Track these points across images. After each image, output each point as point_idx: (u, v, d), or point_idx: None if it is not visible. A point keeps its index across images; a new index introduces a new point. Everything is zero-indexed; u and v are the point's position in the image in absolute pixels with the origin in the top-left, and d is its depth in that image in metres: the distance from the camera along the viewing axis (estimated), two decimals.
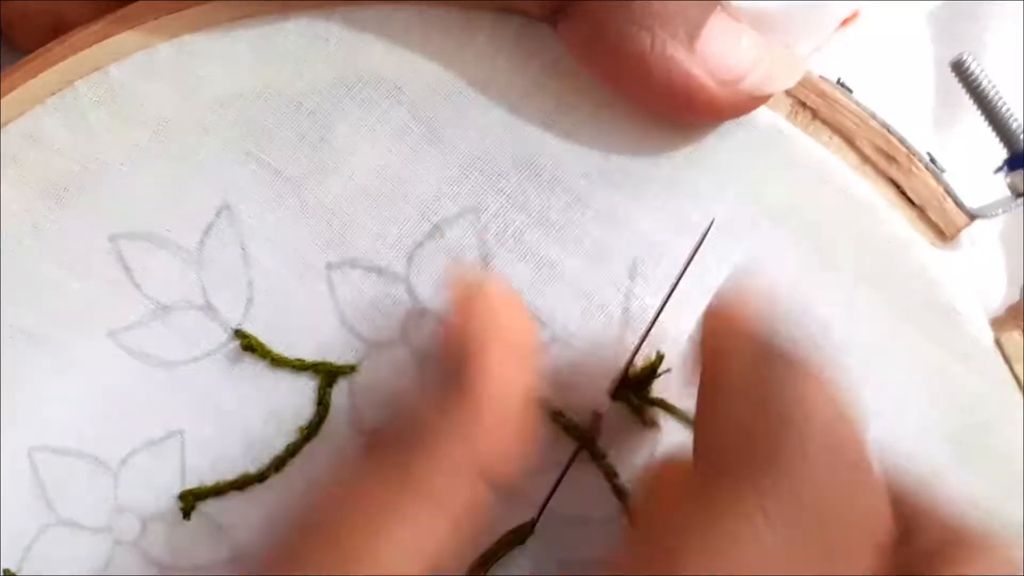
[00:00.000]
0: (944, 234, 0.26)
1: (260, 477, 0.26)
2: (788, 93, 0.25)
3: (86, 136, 0.26)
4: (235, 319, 0.26)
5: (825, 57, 0.28)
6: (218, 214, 0.26)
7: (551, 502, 0.26)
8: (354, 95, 0.26)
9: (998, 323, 0.26)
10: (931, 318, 0.25)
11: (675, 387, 0.26)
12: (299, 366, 0.26)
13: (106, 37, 0.26)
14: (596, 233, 0.26)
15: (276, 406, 0.26)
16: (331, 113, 0.26)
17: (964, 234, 0.26)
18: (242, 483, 0.26)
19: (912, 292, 0.25)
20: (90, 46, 0.26)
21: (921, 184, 0.26)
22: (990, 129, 0.26)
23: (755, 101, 0.24)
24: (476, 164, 0.26)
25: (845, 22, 0.29)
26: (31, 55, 0.26)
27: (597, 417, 0.26)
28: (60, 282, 0.26)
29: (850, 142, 0.26)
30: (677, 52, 0.23)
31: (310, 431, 0.26)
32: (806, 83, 0.25)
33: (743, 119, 0.25)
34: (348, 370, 0.26)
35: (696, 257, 0.25)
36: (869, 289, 0.25)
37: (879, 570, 0.20)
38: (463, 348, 0.22)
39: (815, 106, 0.26)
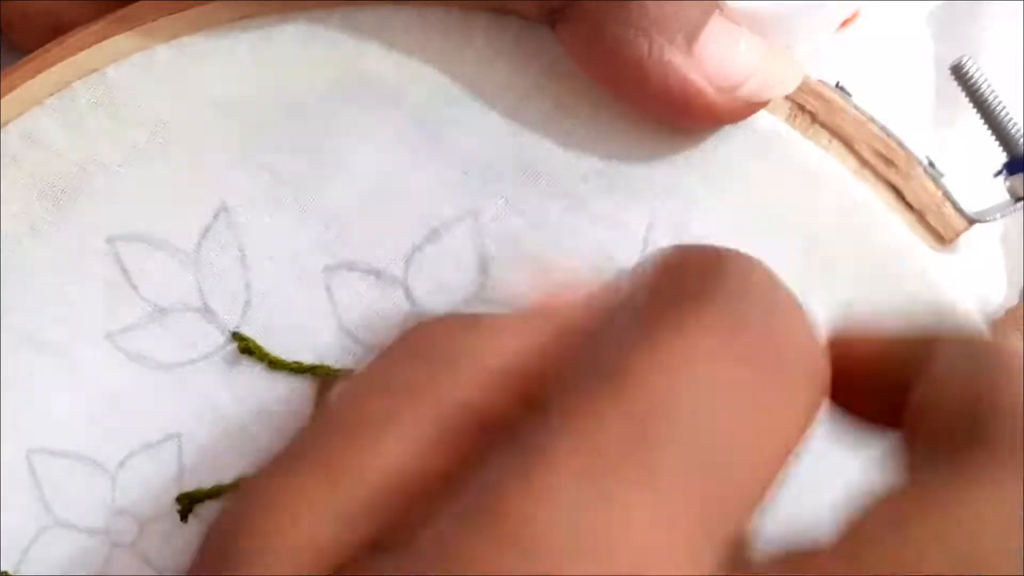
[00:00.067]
0: (943, 238, 0.26)
1: None
2: (787, 96, 0.25)
3: (84, 138, 0.26)
4: (233, 321, 0.26)
5: (824, 58, 0.28)
6: (216, 216, 0.26)
7: None
8: (353, 97, 0.26)
9: (997, 326, 0.26)
10: (930, 322, 0.25)
11: None
12: (297, 369, 0.26)
13: (105, 38, 0.26)
14: (595, 236, 0.26)
15: (274, 409, 0.26)
16: (330, 115, 0.26)
17: (963, 238, 0.26)
18: (240, 486, 0.26)
19: (911, 296, 0.25)
20: (88, 47, 0.26)
21: (920, 188, 0.26)
22: (989, 133, 0.26)
23: (753, 106, 0.24)
24: (475, 166, 0.26)
25: (844, 23, 0.29)
26: (29, 56, 0.26)
27: None
28: (58, 284, 0.26)
29: (849, 146, 0.26)
30: (674, 57, 0.23)
31: None
32: (805, 87, 0.25)
33: (742, 123, 0.25)
34: (346, 373, 0.26)
35: None
36: (868, 293, 0.25)
37: None
38: None
39: (814, 110, 0.25)
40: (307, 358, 0.26)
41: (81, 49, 0.26)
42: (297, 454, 0.17)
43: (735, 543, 0.16)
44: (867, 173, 0.26)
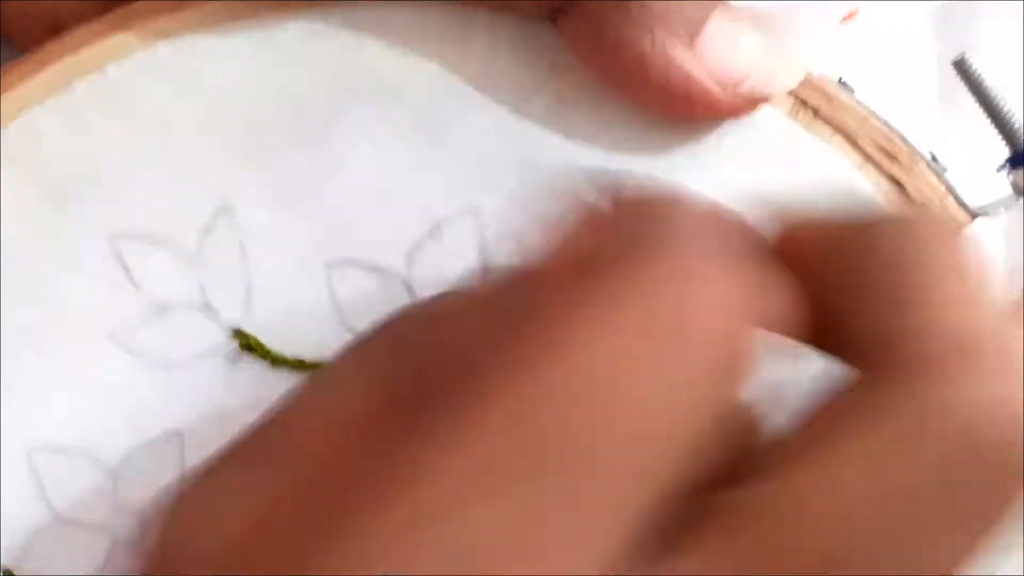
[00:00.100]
0: None
1: None
2: (789, 92, 0.25)
3: (84, 136, 0.26)
4: (234, 319, 0.26)
5: (826, 54, 0.28)
6: (217, 214, 0.26)
7: None
8: (354, 94, 0.26)
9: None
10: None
11: None
12: (299, 366, 0.26)
13: (105, 37, 0.26)
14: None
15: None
16: (331, 112, 0.26)
17: (966, 232, 0.26)
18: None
19: None
20: (88, 46, 0.26)
21: (923, 183, 0.26)
22: (992, 127, 0.26)
23: (755, 102, 0.24)
24: (476, 163, 0.26)
25: (846, 19, 0.29)
26: (29, 55, 0.26)
27: None
28: (59, 282, 0.26)
29: (852, 141, 0.26)
30: (677, 53, 0.23)
31: None
32: (807, 82, 0.25)
33: (744, 118, 0.25)
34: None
35: None
36: None
37: None
38: None
39: (817, 105, 0.25)
40: (309, 355, 0.26)
41: (81, 47, 0.26)
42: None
43: (657, 524, 0.16)
44: (870, 168, 0.26)
